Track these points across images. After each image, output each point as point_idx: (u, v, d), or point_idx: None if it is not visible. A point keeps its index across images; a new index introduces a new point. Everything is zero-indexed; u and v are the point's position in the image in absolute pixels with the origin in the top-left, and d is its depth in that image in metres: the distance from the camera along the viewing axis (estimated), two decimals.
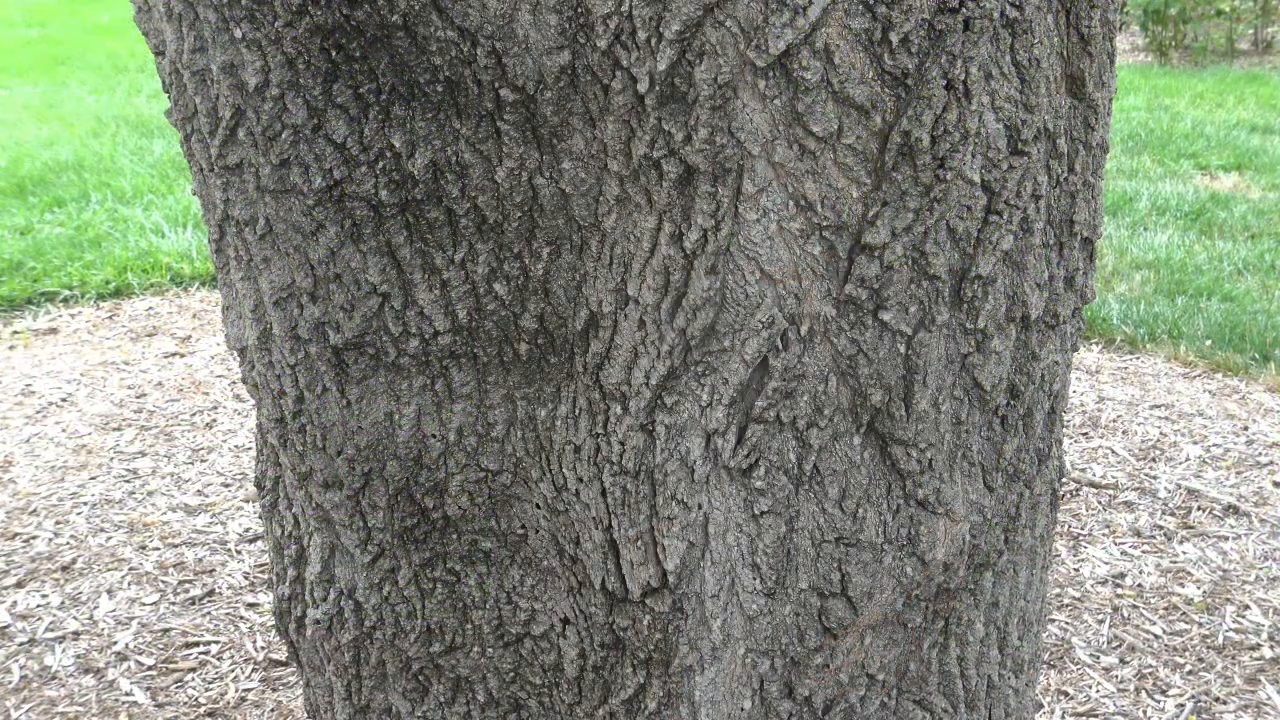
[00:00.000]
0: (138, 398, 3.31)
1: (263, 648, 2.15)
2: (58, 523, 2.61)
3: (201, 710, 1.98)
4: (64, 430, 3.09)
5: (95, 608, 2.29)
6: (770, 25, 0.70)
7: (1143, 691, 2.02)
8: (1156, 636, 2.17)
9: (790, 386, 0.80)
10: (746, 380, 0.80)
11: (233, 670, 2.09)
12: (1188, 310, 3.78)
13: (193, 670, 2.10)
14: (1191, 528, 2.55)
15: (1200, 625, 2.20)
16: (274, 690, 2.04)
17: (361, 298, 0.83)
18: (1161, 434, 3.00)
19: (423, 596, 0.94)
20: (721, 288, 0.78)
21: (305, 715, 1.36)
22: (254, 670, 2.09)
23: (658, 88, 0.72)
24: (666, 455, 0.82)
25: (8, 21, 10.92)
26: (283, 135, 0.78)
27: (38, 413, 3.21)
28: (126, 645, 2.16)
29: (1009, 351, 0.87)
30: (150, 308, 4.04)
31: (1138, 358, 3.54)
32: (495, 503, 0.89)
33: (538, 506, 0.88)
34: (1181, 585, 2.34)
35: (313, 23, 0.73)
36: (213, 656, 2.13)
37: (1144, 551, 2.46)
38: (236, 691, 2.03)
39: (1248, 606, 2.26)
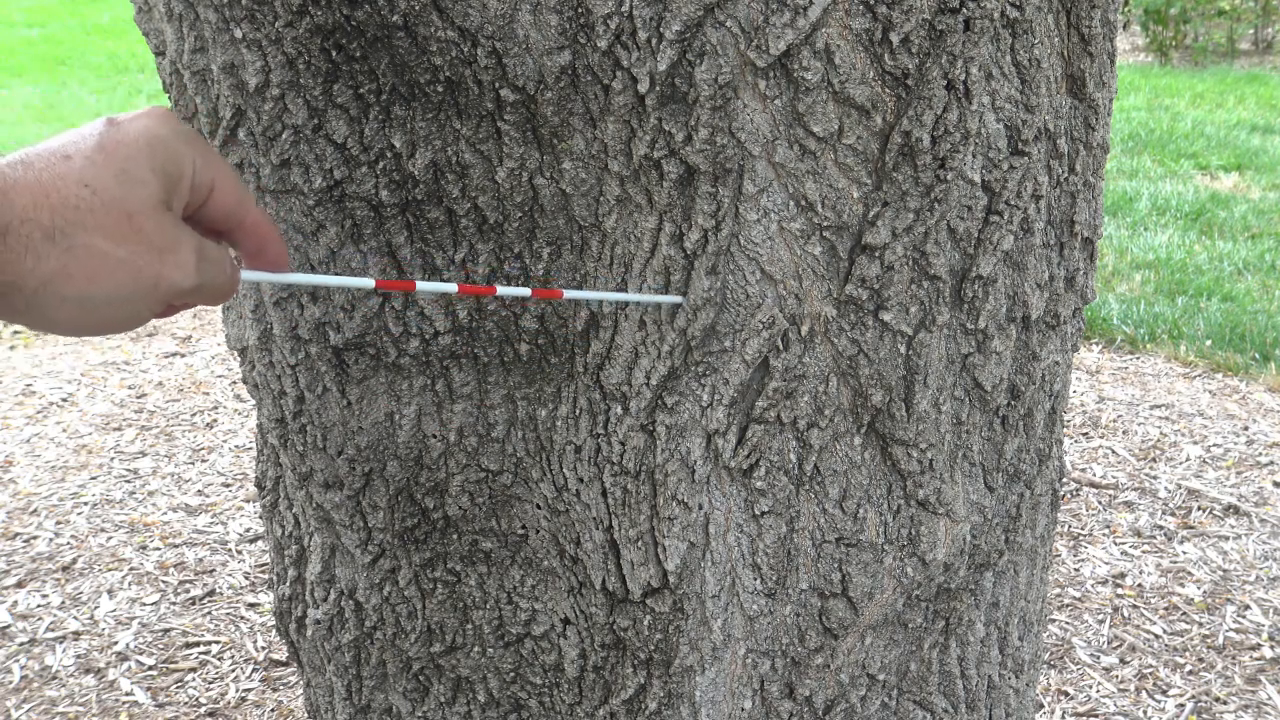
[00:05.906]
0: (138, 398, 3.31)
1: (263, 648, 2.15)
2: (58, 523, 2.61)
3: (202, 710, 1.98)
4: (64, 430, 3.10)
5: (96, 608, 2.29)
6: (770, 25, 0.70)
7: (1143, 691, 2.02)
8: (1157, 636, 2.17)
9: (791, 387, 0.80)
10: (747, 380, 0.80)
11: (233, 670, 2.09)
12: (1188, 310, 3.78)
13: (193, 670, 2.10)
14: (1192, 528, 2.55)
15: (1200, 625, 2.20)
16: (274, 690, 2.04)
17: (362, 298, 0.83)
18: (1161, 434, 3.00)
19: (423, 597, 0.94)
20: (722, 288, 0.78)
21: (305, 715, 1.36)
22: (254, 670, 2.09)
23: (658, 88, 0.72)
24: (667, 455, 0.82)
25: (8, 21, 10.92)
26: (283, 135, 0.78)
27: (38, 413, 3.21)
28: (127, 645, 2.16)
29: (1009, 352, 0.87)
30: None
31: (1138, 358, 3.54)
32: (496, 503, 0.89)
33: (538, 507, 0.88)
34: (1182, 585, 2.33)
35: (313, 23, 0.73)
36: (213, 656, 2.13)
37: (1144, 551, 2.46)
38: (237, 691, 2.03)
39: (1248, 606, 2.26)
